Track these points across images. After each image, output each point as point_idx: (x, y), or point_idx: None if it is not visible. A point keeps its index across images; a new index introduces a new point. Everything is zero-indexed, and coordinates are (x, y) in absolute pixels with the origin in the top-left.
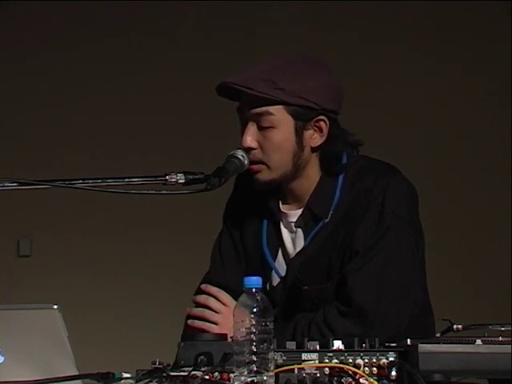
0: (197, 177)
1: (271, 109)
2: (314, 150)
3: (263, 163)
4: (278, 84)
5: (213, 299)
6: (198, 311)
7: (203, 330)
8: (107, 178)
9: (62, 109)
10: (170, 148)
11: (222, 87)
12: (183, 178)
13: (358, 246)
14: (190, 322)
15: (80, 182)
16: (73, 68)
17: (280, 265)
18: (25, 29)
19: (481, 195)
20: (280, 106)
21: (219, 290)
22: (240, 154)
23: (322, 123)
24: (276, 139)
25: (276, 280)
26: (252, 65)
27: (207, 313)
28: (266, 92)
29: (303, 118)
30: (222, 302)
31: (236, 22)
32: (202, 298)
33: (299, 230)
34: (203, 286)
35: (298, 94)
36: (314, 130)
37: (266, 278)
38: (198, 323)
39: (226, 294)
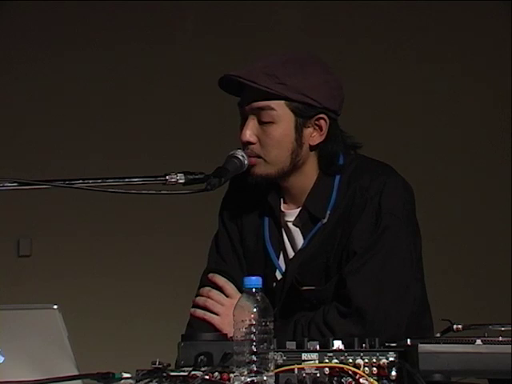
0: (197, 177)
1: (272, 103)
2: (312, 148)
3: (260, 157)
4: (281, 79)
5: (215, 291)
6: (201, 300)
7: (204, 320)
8: (107, 178)
9: (62, 109)
10: (170, 148)
11: (225, 80)
12: (183, 178)
13: (356, 247)
14: (192, 310)
15: (80, 182)
16: (73, 68)
17: (282, 263)
18: (24, 29)
19: (481, 195)
20: (281, 101)
21: (226, 280)
22: (240, 154)
23: (322, 122)
24: (275, 135)
25: (280, 278)
26: (254, 62)
27: (209, 303)
28: (269, 86)
29: (304, 114)
30: (226, 293)
31: (236, 23)
32: (204, 291)
33: (297, 229)
34: (210, 276)
35: (300, 91)
36: (314, 129)
37: (270, 276)
38: (199, 312)
39: (232, 285)
